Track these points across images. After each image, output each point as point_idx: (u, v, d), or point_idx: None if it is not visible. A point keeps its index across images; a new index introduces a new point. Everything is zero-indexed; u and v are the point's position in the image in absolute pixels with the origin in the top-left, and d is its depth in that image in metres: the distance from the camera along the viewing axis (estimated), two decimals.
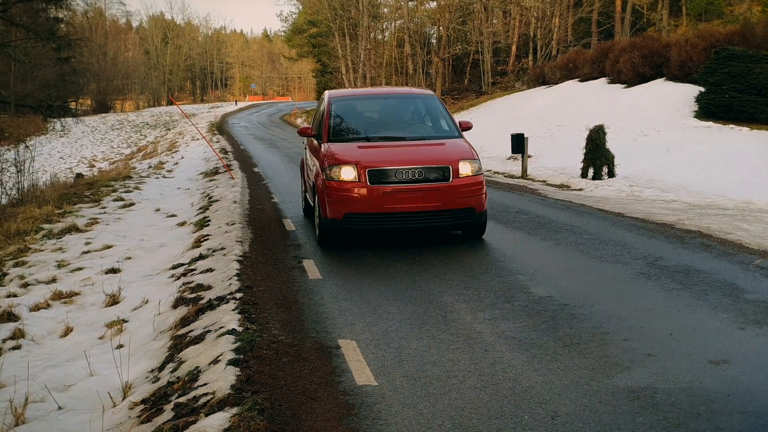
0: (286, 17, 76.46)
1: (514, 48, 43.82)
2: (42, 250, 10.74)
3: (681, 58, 24.48)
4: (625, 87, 27.38)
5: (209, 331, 5.91)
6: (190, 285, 7.70)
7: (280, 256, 8.90)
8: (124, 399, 5.16)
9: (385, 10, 52.22)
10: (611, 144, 16.41)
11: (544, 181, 16.65)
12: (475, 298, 6.66)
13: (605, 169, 15.99)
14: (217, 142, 33.05)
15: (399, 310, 6.43)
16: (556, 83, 33.39)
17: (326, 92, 10.92)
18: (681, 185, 14.47)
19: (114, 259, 9.68)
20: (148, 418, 4.63)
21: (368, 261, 8.29)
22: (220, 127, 45.50)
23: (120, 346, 6.21)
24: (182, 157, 27.62)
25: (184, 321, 6.52)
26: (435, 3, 48.63)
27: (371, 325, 6.08)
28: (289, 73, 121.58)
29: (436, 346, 5.47)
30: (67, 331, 6.99)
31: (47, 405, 5.25)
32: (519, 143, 17.57)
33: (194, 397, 4.66)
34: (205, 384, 4.81)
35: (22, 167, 17.68)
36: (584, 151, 16.23)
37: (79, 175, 24.56)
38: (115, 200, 15.81)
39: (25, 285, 8.75)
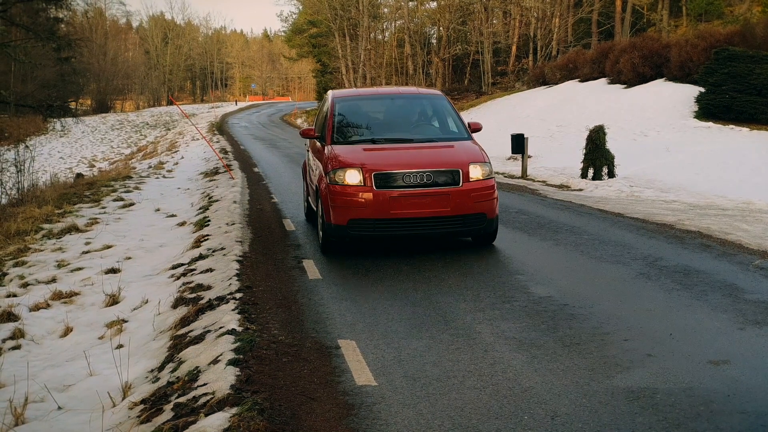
0: (286, 17, 76.47)
1: (514, 48, 43.82)
2: (42, 250, 10.74)
3: (681, 59, 24.48)
4: (625, 87, 27.38)
5: (209, 331, 5.91)
6: (190, 285, 7.71)
7: (280, 256, 8.90)
8: (123, 399, 5.16)
9: (385, 10, 52.25)
10: (611, 144, 16.41)
11: (544, 182, 16.65)
12: (474, 299, 6.66)
13: (605, 170, 15.99)
14: (217, 142, 33.05)
15: (399, 310, 6.43)
16: (556, 83, 33.40)
17: (329, 92, 10.54)
18: (681, 185, 14.47)
19: (114, 259, 9.68)
20: (147, 418, 4.63)
21: (368, 261, 8.29)
22: (220, 127, 45.50)
23: (120, 346, 6.21)
24: (182, 157, 27.62)
25: (184, 321, 6.52)
26: (435, 3, 48.68)
27: (371, 325, 6.08)
28: (289, 74, 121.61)
29: (435, 347, 5.46)
30: (67, 331, 6.99)
31: (47, 405, 5.25)
32: (519, 143, 17.57)
33: (194, 397, 4.66)
34: (204, 384, 4.81)
35: (22, 167, 17.68)
36: (584, 151, 16.24)
37: (79, 175, 24.57)
38: (115, 200, 15.81)
39: (25, 285, 8.75)
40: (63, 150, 45.89)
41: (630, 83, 27.26)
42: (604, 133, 16.07)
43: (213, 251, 9.11)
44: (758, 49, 21.56)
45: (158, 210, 14.11)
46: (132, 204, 15.15)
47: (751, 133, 19.36)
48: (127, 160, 35.53)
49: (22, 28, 21.92)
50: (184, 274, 8.37)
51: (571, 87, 31.19)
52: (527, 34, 42.71)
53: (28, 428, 4.92)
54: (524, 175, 17.62)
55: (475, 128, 9.46)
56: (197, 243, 9.96)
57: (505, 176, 18.08)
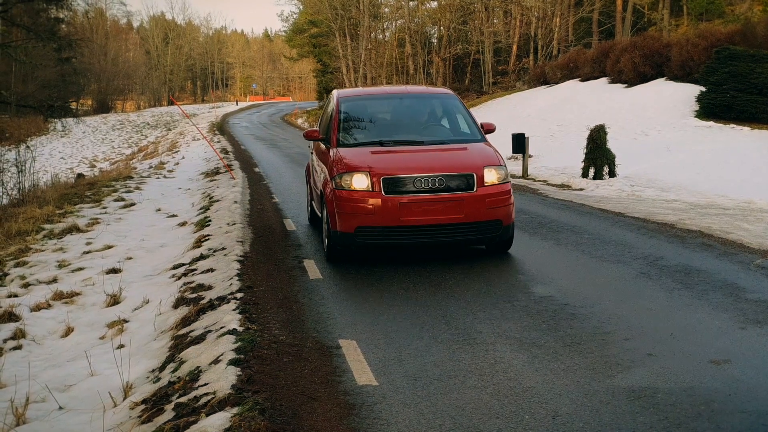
0: (286, 17, 76.54)
1: (514, 48, 43.80)
2: (43, 251, 10.75)
3: (682, 58, 24.47)
4: (626, 87, 27.37)
5: (210, 331, 5.92)
6: (191, 285, 7.71)
7: (280, 256, 8.90)
8: (124, 399, 5.16)
9: (386, 9, 52.22)
10: (612, 144, 16.41)
11: (544, 181, 16.65)
12: (475, 298, 6.66)
13: (606, 169, 15.98)
14: (218, 142, 33.06)
15: (399, 309, 6.43)
16: (557, 83, 33.38)
17: (334, 91, 10.04)
18: (682, 185, 14.46)
19: (115, 259, 9.68)
20: (148, 418, 4.63)
21: (368, 261, 8.28)
22: (220, 127, 45.52)
23: (121, 346, 6.21)
24: (183, 158, 27.62)
25: (185, 321, 6.53)
26: (436, 3, 48.65)
27: (372, 324, 6.08)
28: (289, 73, 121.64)
29: (436, 346, 5.47)
30: (68, 331, 6.99)
31: (48, 405, 5.26)
32: (520, 143, 17.57)
33: (195, 397, 4.67)
34: (205, 384, 4.81)
35: (23, 167, 17.68)
36: (585, 150, 16.23)
37: (80, 176, 24.58)
38: (115, 200, 15.82)
39: (26, 285, 8.75)
40: (64, 150, 45.92)
41: (631, 82, 27.25)
42: (605, 133, 16.06)
43: (214, 251, 9.11)
44: (759, 48, 21.54)
45: (159, 210, 14.11)
46: (133, 204, 15.15)
47: (752, 132, 19.35)
48: (128, 160, 35.55)
49: (23, 28, 21.95)
50: (185, 274, 8.37)
51: (571, 86, 31.18)
52: (528, 34, 42.69)
53: (29, 428, 4.92)
54: (525, 175, 17.62)
55: (489, 129, 8.99)
56: (198, 243, 9.96)
57: None
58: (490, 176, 7.89)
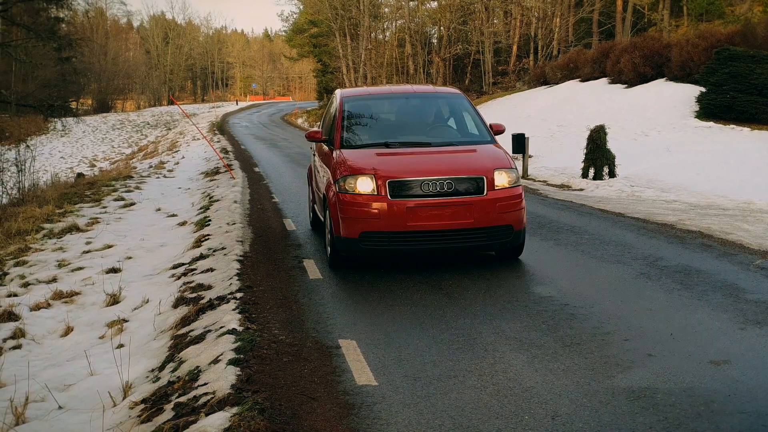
0: (286, 17, 76.57)
1: (515, 48, 43.80)
2: (42, 250, 10.75)
3: (682, 59, 24.47)
4: (626, 87, 27.37)
5: (210, 331, 5.92)
6: (191, 285, 7.71)
7: (280, 255, 8.90)
8: (124, 398, 5.16)
9: (386, 9, 52.22)
10: (612, 144, 16.41)
11: (544, 181, 16.65)
12: (475, 298, 6.66)
13: (606, 170, 15.98)
14: (218, 141, 33.06)
15: (399, 310, 6.43)
16: (557, 83, 33.39)
17: (337, 91, 9.72)
18: (682, 185, 14.46)
19: (114, 258, 9.68)
20: (148, 418, 4.63)
21: (368, 261, 8.28)
22: (220, 127, 45.52)
23: (120, 346, 6.21)
24: (183, 157, 27.62)
25: (185, 320, 6.53)
26: (436, 3, 48.65)
27: (371, 324, 6.08)
28: (289, 73, 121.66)
29: (436, 346, 5.47)
30: (68, 330, 6.99)
31: (48, 404, 5.26)
32: (520, 143, 17.55)
33: (194, 396, 4.67)
34: (205, 384, 4.81)
35: (23, 167, 17.69)
36: (585, 151, 16.23)
37: (79, 175, 24.58)
38: (115, 200, 15.82)
39: (26, 284, 8.76)
40: (64, 150, 45.93)
41: (631, 83, 27.25)
42: (605, 133, 16.06)
43: (214, 251, 9.11)
44: (759, 49, 21.55)
45: (159, 210, 14.11)
46: (133, 204, 15.15)
47: (752, 133, 19.35)
48: (128, 159, 35.55)
49: (23, 27, 21.95)
50: (184, 274, 8.37)
51: (571, 87, 31.19)
52: (528, 34, 42.70)
53: (29, 428, 4.92)
54: (525, 175, 17.61)
55: (498, 130, 8.65)
56: (198, 243, 9.96)
57: None
58: (501, 179, 7.59)
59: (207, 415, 4.31)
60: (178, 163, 25.52)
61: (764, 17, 27.83)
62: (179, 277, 8.30)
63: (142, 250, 10.22)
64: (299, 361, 5.25)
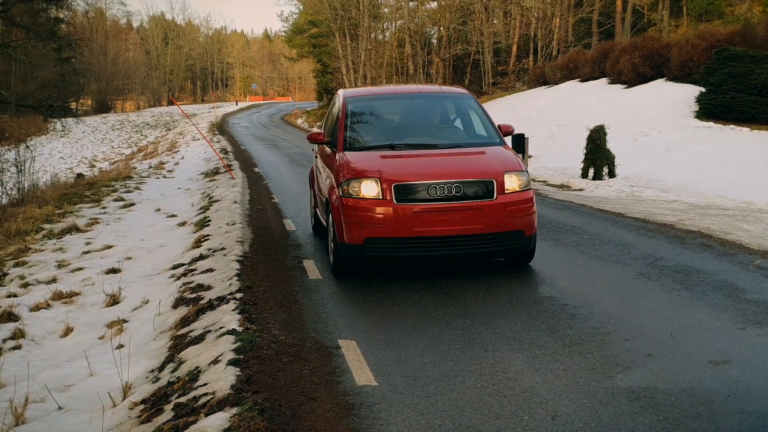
0: (286, 17, 76.44)
1: (514, 48, 43.80)
2: (42, 250, 10.75)
3: (681, 59, 24.47)
4: (626, 87, 27.37)
5: (209, 331, 5.91)
6: (191, 285, 7.71)
7: (280, 256, 8.89)
8: (124, 399, 5.16)
9: (386, 10, 52.22)
10: (612, 144, 16.41)
11: (544, 182, 16.64)
12: (474, 298, 6.66)
13: (606, 170, 15.98)
14: (218, 142, 33.06)
15: (399, 310, 6.43)
16: (557, 83, 33.39)
17: (340, 91, 9.43)
18: (681, 185, 14.46)
19: (114, 259, 9.68)
20: (148, 418, 4.63)
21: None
22: (220, 127, 45.53)
23: (120, 346, 6.21)
24: (183, 158, 27.62)
25: (185, 321, 6.53)
26: (435, 3, 48.66)
27: (371, 325, 6.08)
28: (289, 74, 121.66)
29: (436, 346, 5.46)
30: (68, 331, 6.99)
31: (47, 405, 5.26)
32: (519, 143, 17.42)
33: (194, 397, 4.67)
34: (205, 384, 4.81)
35: (23, 167, 17.69)
36: (585, 151, 16.22)
37: (79, 175, 24.58)
38: (115, 200, 15.82)
39: (26, 285, 8.75)
40: (63, 150, 45.91)
41: (630, 83, 27.25)
42: (605, 133, 16.06)
43: (213, 251, 9.11)
44: (759, 49, 21.54)
45: (159, 210, 14.11)
46: (132, 204, 15.15)
47: (751, 133, 19.35)
48: (128, 160, 35.55)
49: (23, 28, 21.96)
50: (184, 274, 8.37)
51: (571, 87, 31.19)
52: (528, 34, 42.70)
53: (29, 428, 4.92)
54: None
55: (507, 131, 8.42)
56: (198, 243, 9.96)
57: None
58: (511, 182, 7.28)
59: (207, 415, 4.31)
60: (177, 163, 25.52)
61: (764, 17, 27.84)
62: (179, 278, 8.30)
63: (141, 251, 10.22)
64: (299, 362, 5.25)
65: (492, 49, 43.15)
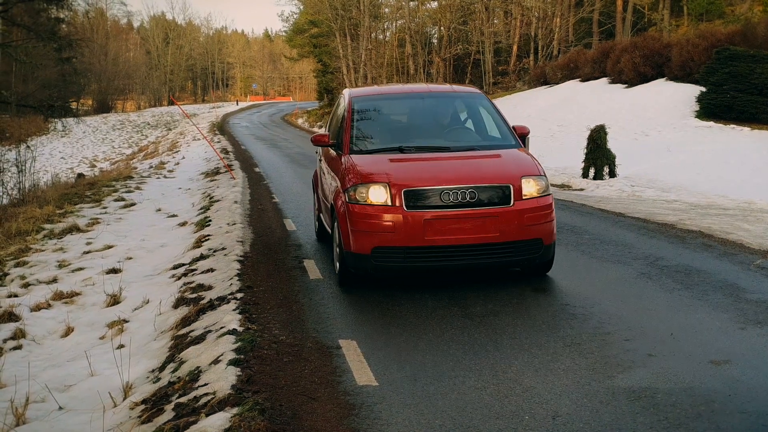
0: (287, 17, 76.57)
1: (515, 48, 43.81)
2: (43, 250, 10.75)
3: (682, 58, 24.46)
4: (627, 87, 27.37)
5: (210, 331, 5.92)
6: (191, 285, 7.71)
7: (281, 256, 8.89)
8: (124, 399, 5.16)
9: (386, 10, 52.24)
10: (612, 144, 16.40)
11: None
12: (475, 298, 6.65)
13: (606, 169, 15.98)
14: (218, 142, 33.06)
15: (400, 310, 6.43)
16: (557, 83, 33.39)
17: (345, 91, 8.94)
18: (682, 185, 14.46)
19: (115, 259, 9.68)
20: (148, 418, 4.63)
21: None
22: (221, 127, 45.54)
23: (121, 346, 6.21)
24: (183, 158, 27.63)
25: (185, 321, 6.53)
26: (436, 3, 48.66)
27: (372, 324, 6.08)
28: (290, 73, 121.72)
29: (436, 346, 5.46)
30: (68, 331, 6.99)
31: (48, 405, 5.26)
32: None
33: (195, 397, 4.67)
34: (205, 384, 4.81)
35: (24, 167, 17.69)
36: (585, 151, 16.23)
37: (80, 175, 24.60)
38: (116, 200, 15.82)
39: (26, 285, 8.76)
40: (64, 150, 45.94)
41: (631, 83, 27.25)
42: (605, 133, 16.06)
43: (214, 251, 9.11)
44: (759, 49, 21.54)
45: (159, 210, 14.12)
46: (133, 204, 15.16)
47: (752, 132, 19.35)
48: (128, 160, 35.56)
49: (24, 28, 21.96)
50: (185, 274, 8.37)
51: (572, 87, 31.19)
52: (528, 34, 42.70)
53: (29, 428, 4.92)
54: None
55: (522, 133, 7.96)
56: (198, 243, 9.96)
57: None
58: (529, 188, 6.85)
59: (207, 415, 4.31)
60: (178, 163, 25.53)
61: (764, 17, 27.83)
62: (179, 278, 8.30)
63: (142, 251, 10.22)
64: (300, 362, 5.25)
65: (492, 48, 43.15)
